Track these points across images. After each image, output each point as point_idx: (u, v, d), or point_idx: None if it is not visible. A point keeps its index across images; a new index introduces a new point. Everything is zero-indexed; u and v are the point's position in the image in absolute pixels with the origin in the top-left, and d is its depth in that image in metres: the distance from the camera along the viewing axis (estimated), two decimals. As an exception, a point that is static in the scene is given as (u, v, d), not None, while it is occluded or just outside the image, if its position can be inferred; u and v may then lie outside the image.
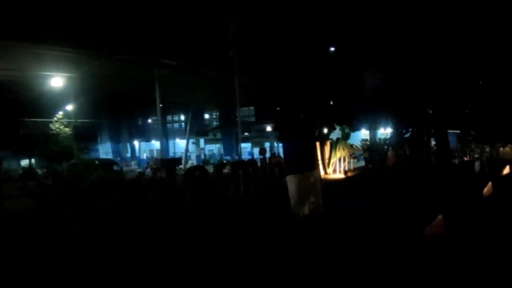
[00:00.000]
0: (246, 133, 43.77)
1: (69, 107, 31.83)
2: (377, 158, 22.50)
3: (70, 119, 31.82)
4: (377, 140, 26.55)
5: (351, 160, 25.18)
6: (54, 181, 8.92)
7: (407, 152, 21.59)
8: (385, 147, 22.98)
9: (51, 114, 32.86)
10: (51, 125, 32.05)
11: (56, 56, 19.55)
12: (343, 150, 23.55)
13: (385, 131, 33.59)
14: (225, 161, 21.84)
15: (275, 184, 14.70)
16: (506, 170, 22.82)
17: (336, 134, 24.06)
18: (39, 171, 20.54)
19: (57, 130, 31.72)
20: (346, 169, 23.54)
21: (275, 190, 13.87)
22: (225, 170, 13.62)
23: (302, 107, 10.70)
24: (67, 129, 31.58)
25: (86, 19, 27.66)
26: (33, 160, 34.65)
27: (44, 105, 30.93)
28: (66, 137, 31.24)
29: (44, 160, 29.64)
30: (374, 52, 22.03)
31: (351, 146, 24.70)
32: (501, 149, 42.74)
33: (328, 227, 8.52)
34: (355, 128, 31.09)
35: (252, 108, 49.85)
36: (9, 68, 21.16)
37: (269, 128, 44.32)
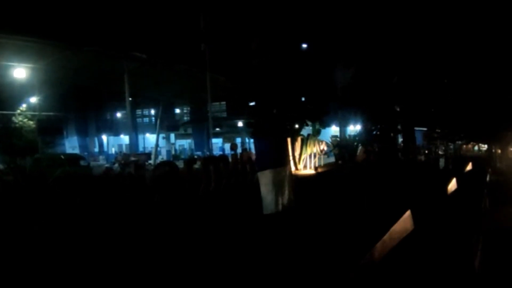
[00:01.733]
0: (218, 129, 43.55)
1: (34, 100, 30.78)
2: (347, 155, 22.83)
3: (35, 112, 30.74)
4: (347, 136, 26.98)
5: (321, 156, 25.51)
6: (16, 177, 8.57)
7: (376, 149, 21.97)
8: (355, 143, 23.35)
9: (14, 106, 31.66)
10: (14, 118, 30.90)
11: (19, 46, 18.76)
12: (314, 146, 23.82)
13: (354, 128, 34.14)
14: (196, 157, 21.64)
15: (246, 180, 14.72)
16: (469, 167, 23.76)
17: (307, 130, 24.28)
18: (1, 167, 19.74)
19: (21, 123, 30.61)
20: (317, 165, 23.82)
21: (247, 185, 13.88)
22: (196, 166, 13.54)
23: (274, 103, 10.68)
24: (31, 122, 30.53)
25: (54, 8, 26.73)
26: (-7, 155, 33.29)
27: (6, 97, 29.74)
28: (30, 131, 30.20)
29: (6, 155, 28.54)
30: (344, 49, 22.28)
31: (321, 142, 25.02)
32: (464, 146, 44.53)
33: (300, 222, 8.55)
34: (326, 125, 31.49)
35: (223, 103, 49.62)
36: (-33, 58, 20.14)
37: (240, 124, 44.22)
